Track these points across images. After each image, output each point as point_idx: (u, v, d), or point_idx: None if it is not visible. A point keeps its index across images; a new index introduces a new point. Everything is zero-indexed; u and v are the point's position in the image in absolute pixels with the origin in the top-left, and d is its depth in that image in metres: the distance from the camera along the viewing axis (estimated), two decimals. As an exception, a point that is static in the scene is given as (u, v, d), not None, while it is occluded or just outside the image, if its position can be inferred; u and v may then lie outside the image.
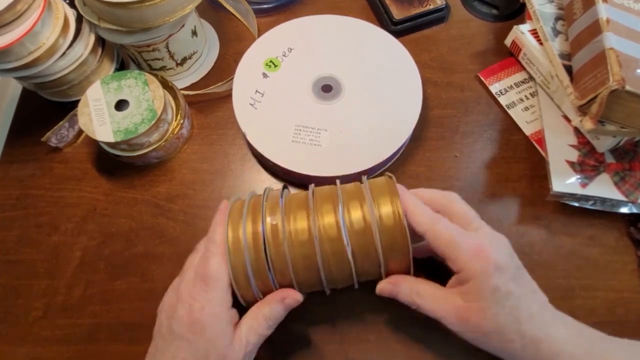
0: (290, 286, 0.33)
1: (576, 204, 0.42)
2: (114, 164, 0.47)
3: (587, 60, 0.40)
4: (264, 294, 0.33)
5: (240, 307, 0.34)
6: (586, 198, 0.42)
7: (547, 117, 0.46)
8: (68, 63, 0.45)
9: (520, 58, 0.49)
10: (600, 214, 0.43)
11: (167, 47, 0.47)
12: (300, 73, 0.47)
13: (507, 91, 0.49)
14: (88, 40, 0.46)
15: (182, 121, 0.46)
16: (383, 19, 0.54)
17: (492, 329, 0.30)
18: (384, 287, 0.33)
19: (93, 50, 0.47)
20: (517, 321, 0.30)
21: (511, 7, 0.54)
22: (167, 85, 0.47)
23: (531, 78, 0.49)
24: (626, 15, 0.41)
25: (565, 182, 0.42)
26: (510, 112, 0.48)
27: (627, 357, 0.30)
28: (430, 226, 0.32)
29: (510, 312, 0.30)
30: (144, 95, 0.44)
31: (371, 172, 0.45)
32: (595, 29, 0.40)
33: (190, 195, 0.46)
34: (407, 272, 0.33)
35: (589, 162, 0.43)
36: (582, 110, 0.40)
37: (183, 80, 0.52)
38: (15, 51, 0.41)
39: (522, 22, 0.50)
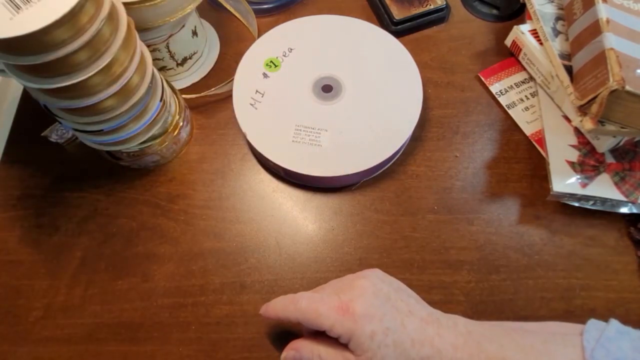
0: None
1: (576, 204, 0.42)
2: (115, 164, 0.47)
3: (587, 61, 0.40)
4: None
5: None
6: (586, 198, 0.42)
7: (548, 117, 0.46)
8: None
9: (520, 58, 0.49)
10: (600, 214, 0.43)
11: (167, 47, 0.47)
12: (301, 73, 0.47)
13: (507, 91, 0.49)
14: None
15: (181, 124, 0.46)
16: (383, 19, 0.54)
17: None
18: (287, 355, 0.35)
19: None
20: (404, 353, 0.31)
21: (511, 7, 0.54)
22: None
23: (531, 78, 0.49)
24: (626, 16, 0.41)
25: (565, 182, 0.42)
26: (511, 112, 0.48)
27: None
28: (295, 309, 0.33)
29: (395, 348, 0.31)
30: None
31: (371, 172, 0.45)
32: (595, 29, 0.40)
33: (191, 195, 0.46)
34: None
35: (589, 162, 0.43)
36: (582, 110, 0.40)
37: (184, 80, 0.52)
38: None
39: (522, 22, 0.50)
